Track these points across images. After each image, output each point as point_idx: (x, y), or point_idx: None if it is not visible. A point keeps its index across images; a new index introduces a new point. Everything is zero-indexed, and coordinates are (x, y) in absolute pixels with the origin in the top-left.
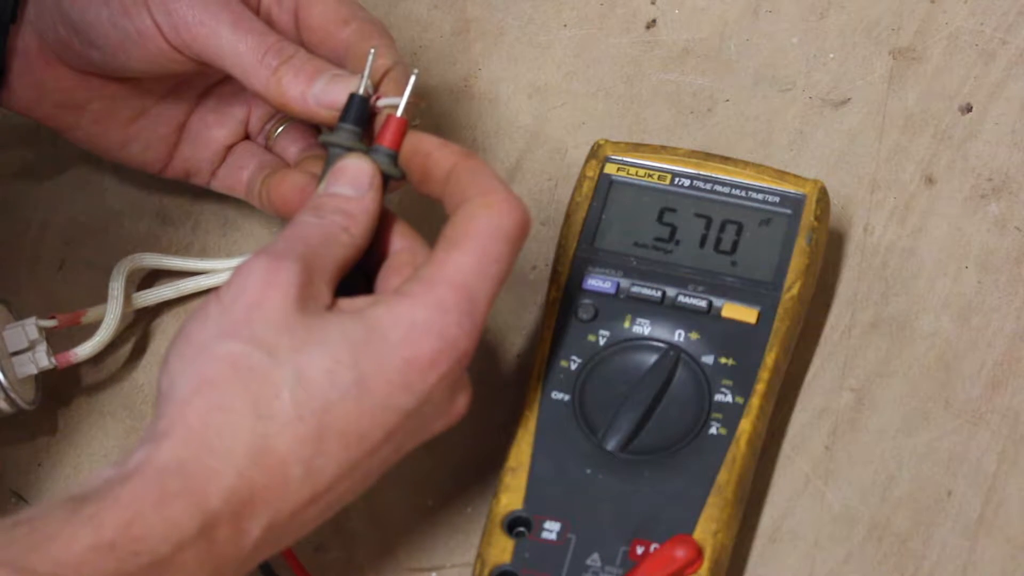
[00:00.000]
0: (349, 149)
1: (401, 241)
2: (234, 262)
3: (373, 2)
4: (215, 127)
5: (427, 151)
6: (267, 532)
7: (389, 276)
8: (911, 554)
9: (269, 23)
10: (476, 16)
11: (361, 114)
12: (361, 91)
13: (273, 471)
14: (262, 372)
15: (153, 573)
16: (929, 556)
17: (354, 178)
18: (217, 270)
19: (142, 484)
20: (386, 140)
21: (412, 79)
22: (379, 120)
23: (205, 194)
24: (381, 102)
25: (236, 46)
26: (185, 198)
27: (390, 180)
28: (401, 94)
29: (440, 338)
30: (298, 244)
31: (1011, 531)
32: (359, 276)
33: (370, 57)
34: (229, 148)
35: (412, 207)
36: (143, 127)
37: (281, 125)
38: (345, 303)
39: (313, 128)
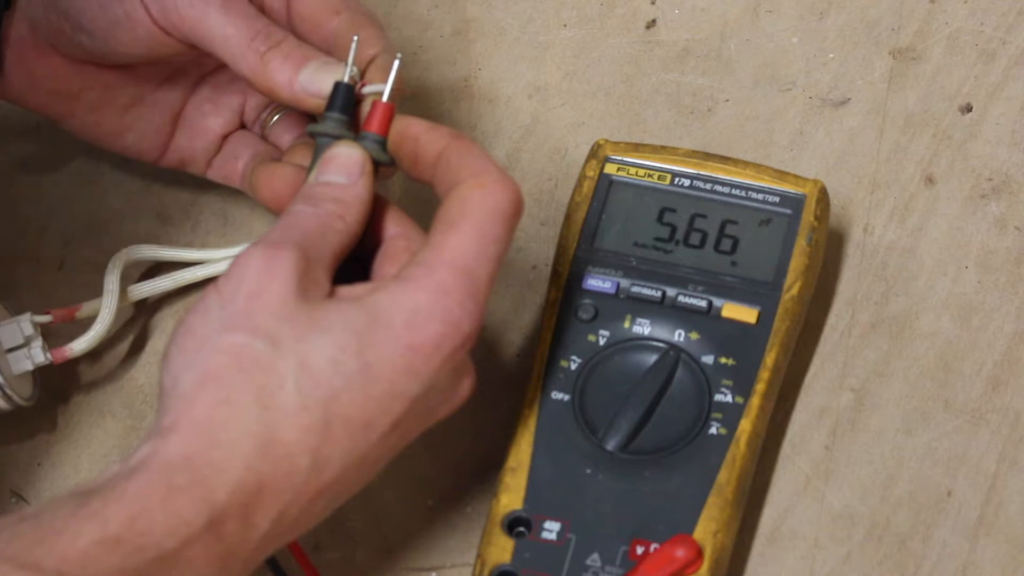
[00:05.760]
0: (337, 137)
1: (395, 227)
2: (231, 251)
3: (374, 2)
4: (210, 116)
5: (415, 135)
6: (275, 524)
7: (385, 262)
8: (911, 554)
9: (261, 10)
10: (476, 16)
11: (347, 102)
12: (346, 79)
13: (280, 462)
14: (265, 363)
15: (159, 568)
16: (929, 556)
17: (345, 166)
18: (214, 260)
19: (148, 479)
20: (373, 126)
21: (396, 64)
22: (365, 107)
23: (205, 193)
24: (366, 89)
25: (225, 29)
26: (185, 197)
27: (380, 166)
28: (386, 80)
29: (443, 322)
30: (294, 233)
31: (1011, 531)
32: (354, 263)
33: (353, 44)
34: (225, 137)
35: (414, 201)
36: (138, 116)
37: (276, 114)
38: (345, 291)
39: (308, 117)
